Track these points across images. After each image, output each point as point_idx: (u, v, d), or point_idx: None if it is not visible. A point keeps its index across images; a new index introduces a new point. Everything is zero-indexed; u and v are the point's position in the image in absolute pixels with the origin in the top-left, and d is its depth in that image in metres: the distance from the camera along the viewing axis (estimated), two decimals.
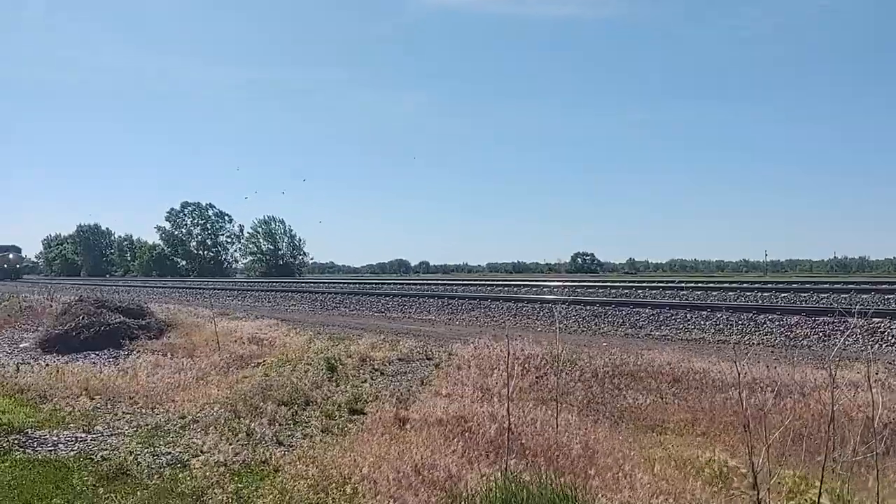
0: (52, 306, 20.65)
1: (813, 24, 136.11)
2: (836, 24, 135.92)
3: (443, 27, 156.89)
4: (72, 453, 6.75)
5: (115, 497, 5.45)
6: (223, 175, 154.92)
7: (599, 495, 4.67)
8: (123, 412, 8.53)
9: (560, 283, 34.27)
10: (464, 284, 36.77)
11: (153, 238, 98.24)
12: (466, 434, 6.34)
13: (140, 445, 6.93)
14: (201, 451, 6.63)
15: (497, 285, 34.30)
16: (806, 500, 4.29)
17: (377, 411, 7.69)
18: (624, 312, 17.39)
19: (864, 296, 20.08)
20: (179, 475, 5.99)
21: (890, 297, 19.56)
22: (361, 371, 10.42)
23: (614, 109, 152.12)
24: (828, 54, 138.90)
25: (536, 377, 9.18)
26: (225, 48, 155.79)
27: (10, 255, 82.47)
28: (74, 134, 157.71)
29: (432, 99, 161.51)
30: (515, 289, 29.87)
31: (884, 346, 11.88)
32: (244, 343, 13.54)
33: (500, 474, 4.81)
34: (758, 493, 4.04)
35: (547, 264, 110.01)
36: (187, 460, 6.39)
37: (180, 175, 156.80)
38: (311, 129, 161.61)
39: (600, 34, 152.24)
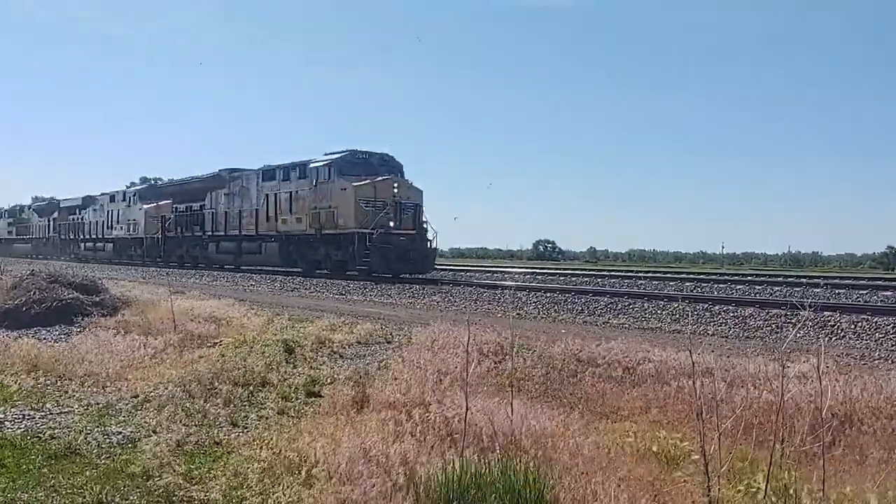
0: (1, 279, 20.06)
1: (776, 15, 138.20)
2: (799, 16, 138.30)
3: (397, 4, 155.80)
4: (18, 431, 6.58)
5: (63, 477, 5.33)
6: (186, 149, 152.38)
7: (559, 479, 4.70)
8: (74, 390, 8.34)
9: (521, 270, 34.44)
10: None
11: None
12: (424, 419, 6.33)
13: (90, 424, 6.78)
14: (153, 432, 6.51)
15: (458, 270, 34.35)
16: (753, 487, 4.38)
17: (334, 394, 7.64)
18: (583, 300, 17.55)
19: (816, 290, 20.59)
20: (130, 455, 5.89)
21: (840, 291, 20.10)
22: (320, 353, 10.35)
23: (580, 99, 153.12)
24: (788, 47, 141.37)
25: (494, 363, 9.21)
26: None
27: (395, 185, 28.11)
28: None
29: (391, 77, 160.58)
30: (477, 274, 29.94)
31: (833, 338, 12.19)
32: (201, 322, 13.32)
33: (456, 459, 4.81)
34: (708, 480, 4.11)
35: (509, 250, 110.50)
36: (139, 440, 6.28)
37: (142, 147, 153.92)
38: (270, 104, 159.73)
39: (567, 17, 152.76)
